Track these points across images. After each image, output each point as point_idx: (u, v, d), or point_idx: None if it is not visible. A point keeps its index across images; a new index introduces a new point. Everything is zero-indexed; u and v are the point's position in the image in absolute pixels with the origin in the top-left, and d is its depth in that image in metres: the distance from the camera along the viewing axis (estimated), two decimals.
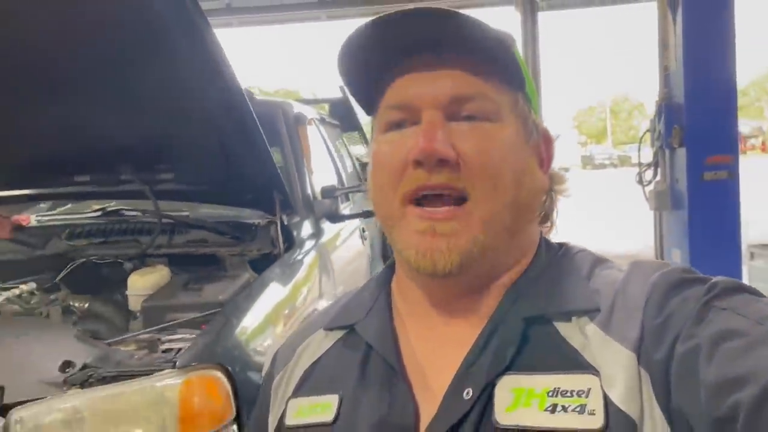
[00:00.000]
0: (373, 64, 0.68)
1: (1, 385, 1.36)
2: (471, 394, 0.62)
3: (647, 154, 3.43)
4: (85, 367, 1.42)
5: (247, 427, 0.82)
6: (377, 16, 0.64)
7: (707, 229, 3.06)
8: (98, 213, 2.46)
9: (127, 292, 1.97)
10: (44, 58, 1.80)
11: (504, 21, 8.31)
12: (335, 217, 2.81)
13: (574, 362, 0.62)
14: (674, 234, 3.30)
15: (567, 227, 0.90)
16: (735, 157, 3.03)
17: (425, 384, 0.68)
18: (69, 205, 2.62)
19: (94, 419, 1.31)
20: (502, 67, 0.67)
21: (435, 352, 0.69)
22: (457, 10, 0.64)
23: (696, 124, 3.03)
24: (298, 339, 0.81)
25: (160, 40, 1.71)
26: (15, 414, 1.28)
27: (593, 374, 0.60)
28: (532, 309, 0.66)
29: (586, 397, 0.59)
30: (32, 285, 2.01)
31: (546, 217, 0.76)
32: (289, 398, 0.75)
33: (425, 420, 0.64)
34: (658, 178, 3.39)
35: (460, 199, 0.65)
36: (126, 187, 2.25)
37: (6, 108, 1.96)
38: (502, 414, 0.61)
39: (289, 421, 0.73)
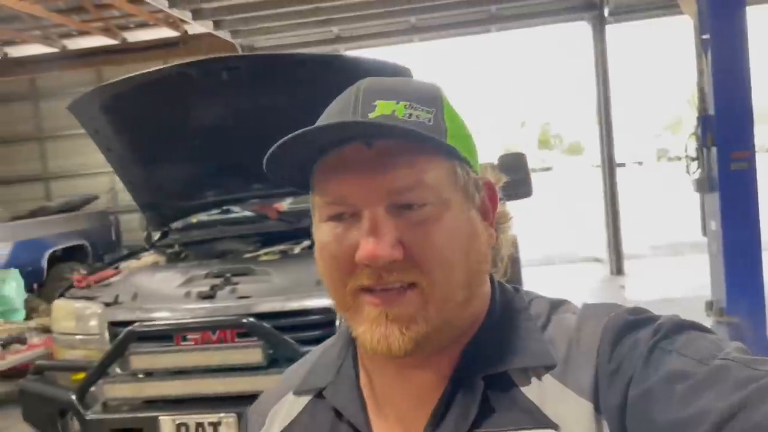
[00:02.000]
0: (304, 156, 0.67)
1: None
2: None
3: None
4: None
5: None
6: (299, 132, 0.63)
7: (733, 204, 4.28)
8: None
9: None
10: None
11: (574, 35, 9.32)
12: None
13: (534, 418, 0.62)
14: (711, 209, 4.53)
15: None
16: (752, 152, 4.25)
17: None
18: (298, 198, 4.10)
19: None
20: (434, 145, 0.65)
21: (402, 413, 0.69)
22: (376, 120, 0.64)
23: (723, 130, 4.26)
24: (270, 401, 0.80)
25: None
26: None
27: (553, 429, 0.61)
28: (490, 367, 0.66)
29: None
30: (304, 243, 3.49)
31: (493, 262, 0.74)
32: None
33: None
34: (700, 169, 4.60)
35: (413, 284, 0.64)
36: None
37: (196, 152, 3.41)
38: None
39: None
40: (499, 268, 0.76)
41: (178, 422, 2.54)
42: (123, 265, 3.56)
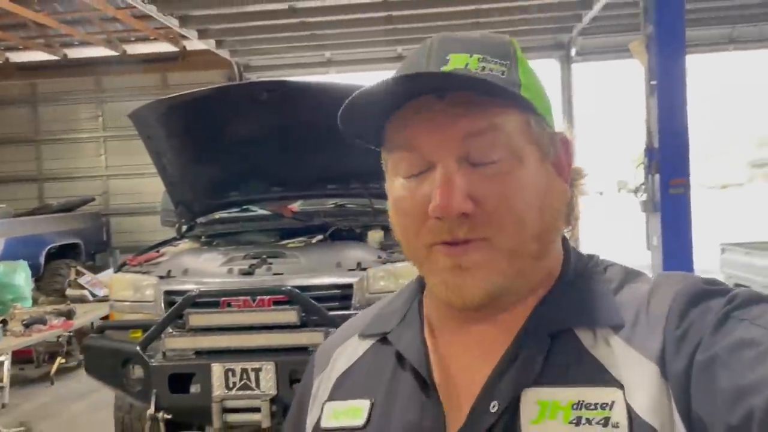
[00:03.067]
0: (376, 111, 0.67)
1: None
2: (497, 407, 0.63)
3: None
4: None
5: (285, 427, 0.83)
6: (372, 85, 0.63)
7: (671, 223, 5.15)
8: (332, 205, 4.66)
9: (367, 240, 4.13)
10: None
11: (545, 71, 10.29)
12: None
13: (598, 375, 0.62)
14: (653, 227, 5.40)
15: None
16: (688, 180, 5.15)
17: (454, 395, 0.68)
18: (312, 201, 4.81)
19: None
20: (508, 97, 0.64)
21: (464, 364, 0.69)
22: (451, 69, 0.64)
23: (665, 161, 5.15)
24: (334, 344, 0.82)
25: None
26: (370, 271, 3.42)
27: (617, 387, 0.61)
28: (558, 323, 0.66)
29: (610, 409, 0.59)
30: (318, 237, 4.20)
31: (567, 219, 0.73)
32: (325, 401, 0.76)
33: (453, 430, 0.65)
34: (645, 193, 5.49)
35: (485, 239, 0.64)
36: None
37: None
38: (528, 426, 0.61)
39: (324, 423, 0.74)
40: (573, 226, 0.75)
41: (226, 368, 3.19)
42: (162, 249, 4.21)
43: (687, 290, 0.64)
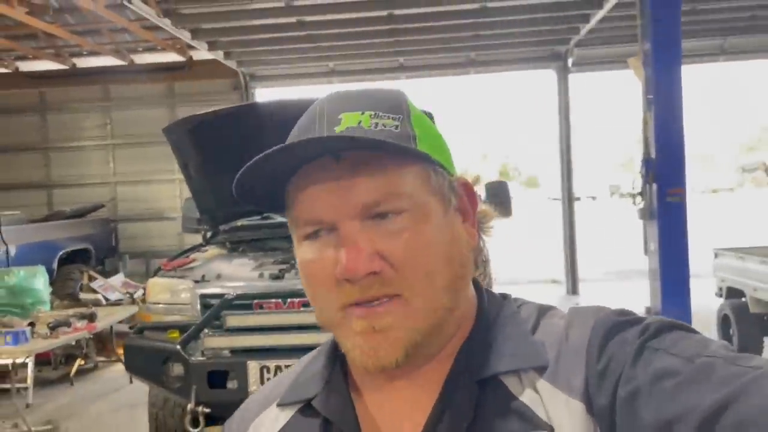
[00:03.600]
0: (275, 177, 0.66)
1: None
2: None
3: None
4: None
5: None
6: (262, 155, 0.62)
7: (668, 230, 5.46)
8: None
9: None
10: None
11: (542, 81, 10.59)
12: None
13: (528, 421, 0.62)
14: (651, 233, 5.70)
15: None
16: (684, 189, 5.46)
17: None
18: None
19: None
20: (403, 153, 0.64)
21: (395, 424, 0.68)
22: (343, 133, 0.64)
23: (662, 171, 5.47)
24: (248, 415, 0.77)
25: None
26: None
27: (547, 430, 0.61)
28: (482, 371, 0.65)
29: None
30: None
31: (476, 263, 0.74)
32: None
33: None
34: (643, 201, 5.79)
35: (397, 295, 0.63)
36: None
37: None
38: None
39: None
40: (482, 270, 0.76)
41: (261, 365, 3.46)
42: (192, 255, 4.48)
43: (603, 323, 0.65)
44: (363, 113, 0.66)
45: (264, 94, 11.47)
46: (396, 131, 0.66)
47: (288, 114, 3.50)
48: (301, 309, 3.60)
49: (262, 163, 0.63)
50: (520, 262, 13.91)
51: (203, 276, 3.90)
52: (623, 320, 0.65)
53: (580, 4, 8.29)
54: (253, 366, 3.47)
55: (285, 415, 0.74)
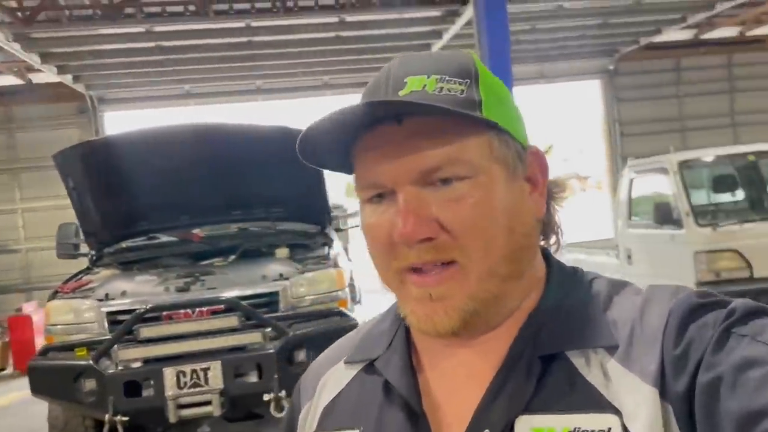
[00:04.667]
0: (338, 141, 0.67)
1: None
2: None
3: None
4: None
5: None
6: (327, 116, 0.63)
7: None
8: (237, 229, 5.27)
9: (277, 256, 4.80)
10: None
11: None
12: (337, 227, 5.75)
13: (593, 401, 0.60)
14: None
15: None
16: None
17: (445, 424, 0.66)
18: (215, 226, 5.36)
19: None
20: (467, 120, 0.63)
21: (454, 391, 0.67)
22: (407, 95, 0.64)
23: None
24: (319, 370, 0.80)
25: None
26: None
27: (613, 413, 0.58)
28: (548, 346, 0.64)
29: None
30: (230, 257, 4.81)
31: (547, 233, 0.73)
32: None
33: None
34: None
35: (453, 262, 0.63)
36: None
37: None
38: None
39: None
40: (555, 240, 0.74)
41: (178, 371, 3.71)
42: (85, 278, 4.57)
43: (682, 305, 0.61)
44: (429, 77, 0.65)
45: (114, 117, 11.25)
46: (461, 96, 0.64)
47: (176, 138, 3.86)
48: (217, 315, 3.91)
49: (326, 124, 0.64)
50: None
51: (107, 294, 4.06)
52: (705, 302, 0.61)
53: (423, 35, 9.23)
54: (169, 372, 3.72)
55: (350, 373, 0.76)
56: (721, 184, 6.09)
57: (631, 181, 6.27)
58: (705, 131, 12.40)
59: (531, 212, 0.69)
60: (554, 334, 0.65)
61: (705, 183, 6.09)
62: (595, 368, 0.62)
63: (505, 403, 0.63)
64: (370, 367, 0.74)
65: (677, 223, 5.33)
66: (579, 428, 0.59)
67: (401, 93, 0.65)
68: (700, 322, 0.59)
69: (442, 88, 0.65)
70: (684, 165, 5.55)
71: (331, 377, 0.78)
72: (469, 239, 0.63)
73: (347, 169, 0.71)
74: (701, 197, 5.94)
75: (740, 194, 6.10)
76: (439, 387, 0.69)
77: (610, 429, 0.59)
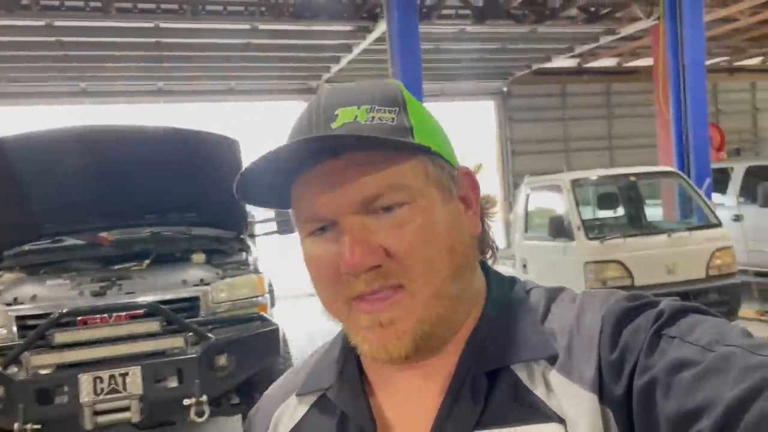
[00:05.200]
0: (273, 182, 0.67)
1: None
2: None
3: None
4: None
5: None
6: (266, 152, 0.63)
7: None
8: (149, 233, 5.17)
9: (194, 261, 4.78)
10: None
11: None
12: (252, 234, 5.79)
13: (539, 412, 0.61)
14: None
15: None
16: None
17: None
18: (124, 230, 5.24)
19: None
20: (401, 147, 0.65)
21: (406, 414, 0.69)
22: (340, 131, 0.64)
23: None
24: (271, 405, 0.80)
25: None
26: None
27: (558, 422, 0.60)
28: (493, 362, 0.65)
29: None
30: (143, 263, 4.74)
31: (483, 248, 0.74)
32: None
33: None
34: None
35: (400, 287, 0.64)
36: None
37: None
38: None
39: None
40: (492, 253, 0.76)
41: (95, 377, 3.63)
42: None
43: (614, 310, 0.63)
44: (359, 107, 0.66)
45: (3, 112, 10.56)
46: (392, 124, 0.66)
47: (69, 140, 3.85)
48: (129, 321, 3.86)
49: (261, 164, 0.64)
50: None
51: (15, 299, 3.90)
52: (635, 305, 0.63)
53: (334, 48, 9.43)
54: (85, 378, 3.63)
55: (304, 406, 0.76)
56: (606, 201, 6.73)
57: (528, 196, 6.77)
58: (586, 152, 13.48)
59: (468, 230, 0.71)
60: (497, 349, 0.67)
61: (592, 200, 6.69)
62: (539, 380, 0.64)
63: (457, 423, 0.64)
64: (322, 398, 0.75)
65: (569, 236, 5.83)
66: None
67: (334, 125, 0.66)
68: (631, 327, 0.61)
69: (373, 118, 0.66)
70: (576, 183, 6.09)
71: (284, 412, 0.78)
72: (414, 262, 0.64)
73: (284, 204, 0.71)
74: (588, 213, 6.52)
75: (621, 211, 6.77)
76: (392, 411, 0.71)
77: None
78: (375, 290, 0.64)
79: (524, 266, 6.61)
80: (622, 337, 0.61)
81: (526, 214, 6.77)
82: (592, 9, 9.50)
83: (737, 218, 6.18)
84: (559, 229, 5.89)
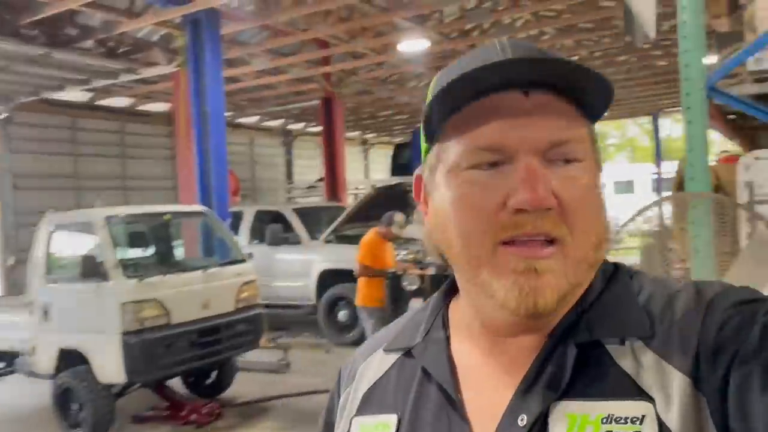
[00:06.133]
0: (460, 96, 0.65)
1: None
2: (525, 420, 0.62)
3: None
4: None
5: None
6: (483, 60, 0.63)
7: None
8: None
9: None
10: None
11: None
12: None
13: (628, 389, 0.60)
14: None
15: None
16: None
17: (481, 410, 0.66)
18: None
19: None
20: (586, 104, 0.65)
21: (490, 378, 0.68)
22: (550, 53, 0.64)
23: None
24: (360, 358, 0.81)
25: None
26: None
27: (647, 401, 0.59)
28: (586, 335, 0.64)
29: (641, 423, 0.58)
30: None
31: None
32: (353, 416, 0.75)
33: None
34: None
35: (551, 241, 0.63)
36: None
37: None
38: None
39: None
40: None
41: None
42: None
43: (721, 300, 0.62)
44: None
45: None
46: None
47: None
48: None
49: (461, 78, 0.63)
50: None
51: None
52: (745, 298, 0.62)
53: None
54: None
55: (390, 360, 0.77)
56: (139, 239, 6.57)
57: (50, 234, 6.08)
58: (100, 191, 12.91)
59: (606, 209, 0.70)
60: (592, 323, 0.66)
61: (125, 238, 6.46)
62: (631, 357, 0.63)
63: (542, 389, 0.63)
64: (407, 355, 0.76)
65: (103, 276, 5.47)
66: (613, 415, 0.60)
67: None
68: (738, 317, 0.60)
69: None
70: (110, 220, 5.77)
71: (371, 364, 0.79)
72: (578, 219, 0.64)
73: (439, 123, 0.68)
74: (122, 252, 6.27)
75: (153, 249, 6.72)
76: (476, 374, 0.70)
77: (644, 416, 0.59)
78: (540, 234, 0.62)
79: (45, 313, 5.87)
80: (726, 327, 0.60)
81: (48, 255, 6.06)
82: (111, 44, 9.28)
83: (250, 256, 6.85)
84: (91, 268, 5.46)
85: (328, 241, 9.19)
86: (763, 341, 0.56)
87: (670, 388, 0.59)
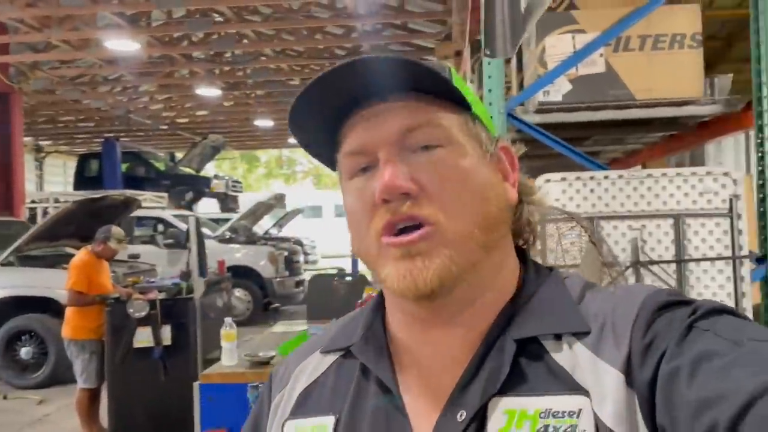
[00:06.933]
0: (326, 121, 0.70)
1: None
2: (464, 416, 0.63)
3: None
4: None
5: None
6: (317, 77, 0.66)
7: None
8: None
9: None
10: None
11: None
12: None
13: (564, 383, 0.62)
14: None
15: None
16: None
17: (420, 405, 0.67)
18: None
19: None
20: (445, 95, 0.68)
21: (430, 374, 0.68)
22: (389, 55, 0.67)
23: None
24: (295, 361, 0.79)
25: None
26: None
27: (584, 395, 0.60)
28: (523, 331, 0.66)
29: (577, 417, 0.60)
30: None
31: (520, 231, 0.76)
32: (286, 420, 0.74)
33: None
34: None
35: (419, 225, 0.65)
36: None
37: None
38: None
39: None
40: (531, 239, 0.77)
41: None
42: None
43: (652, 300, 0.64)
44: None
45: None
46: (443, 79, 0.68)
47: None
48: None
49: (311, 91, 0.66)
50: None
51: None
52: (674, 300, 0.64)
53: None
54: None
55: (327, 361, 0.77)
56: None
57: None
58: None
59: (503, 194, 0.71)
60: (529, 319, 0.67)
61: None
62: (567, 352, 0.64)
63: (481, 385, 0.64)
64: (346, 356, 0.75)
65: None
66: (550, 409, 0.61)
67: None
68: (667, 316, 0.62)
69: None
70: None
71: (307, 366, 0.78)
72: (446, 198, 0.65)
73: (328, 153, 0.73)
74: None
75: None
76: (416, 370, 0.70)
77: (580, 410, 0.60)
78: (403, 218, 0.64)
79: None
80: (657, 324, 0.61)
81: None
82: None
83: None
84: None
85: (6, 264, 7.54)
86: (689, 340, 0.59)
87: (604, 383, 0.61)
